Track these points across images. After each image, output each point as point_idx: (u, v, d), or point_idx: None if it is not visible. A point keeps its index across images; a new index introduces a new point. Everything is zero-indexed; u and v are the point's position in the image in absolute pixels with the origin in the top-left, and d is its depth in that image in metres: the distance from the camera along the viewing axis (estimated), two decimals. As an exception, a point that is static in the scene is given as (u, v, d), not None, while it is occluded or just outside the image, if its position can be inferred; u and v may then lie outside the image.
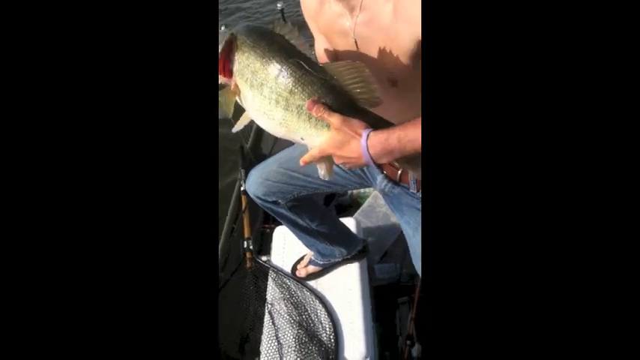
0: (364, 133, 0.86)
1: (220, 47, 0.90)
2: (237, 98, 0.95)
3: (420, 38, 0.88)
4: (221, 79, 0.95)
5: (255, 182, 1.41)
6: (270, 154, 2.30)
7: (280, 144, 2.33)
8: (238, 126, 0.98)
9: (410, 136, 0.83)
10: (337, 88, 0.88)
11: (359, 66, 0.88)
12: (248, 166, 2.17)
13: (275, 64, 0.87)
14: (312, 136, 0.91)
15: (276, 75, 0.87)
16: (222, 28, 0.94)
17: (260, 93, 0.90)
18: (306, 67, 0.87)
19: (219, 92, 0.93)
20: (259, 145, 2.43)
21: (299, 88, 0.87)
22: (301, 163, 0.95)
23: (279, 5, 2.47)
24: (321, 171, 0.95)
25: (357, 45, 0.98)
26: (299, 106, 0.88)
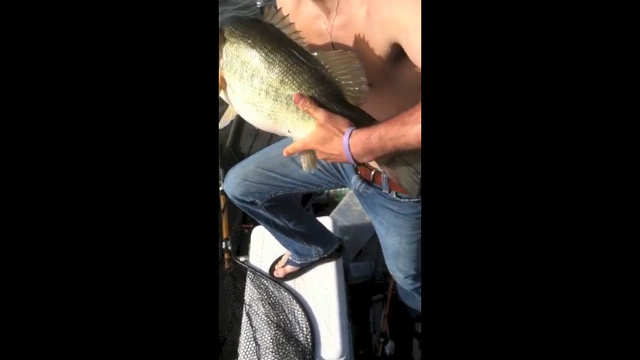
0: (347, 132, 0.87)
1: None
2: (221, 92, 0.94)
3: (395, 42, 0.89)
4: None
5: (233, 182, 1.42)
6: (249, 153, 2.32)
7: (259, 143, 2.35)
8: (224, 122, 0.96)
9: (390, 134, 0.84)
10: (327, 78, 0.88)
11: (351, 56, 0.88)
12: (227, 166, 2.18)
13: (267, 53, 0.86)
14: (299, 128, 0.90)
15: (267, 65, 0.87)
16: None
17: (250, 84, 0.89)
18: (298, 55, 0.87)
19: None
20: (237, 144, 2.43)
21: (289, 78, 0.87)
22: (284, 153, 0.95)
23: (258, 3, 2.46)
24: (304, 164, 0.95)
25: (333, 47, 1.00)
26: (289, 96, 0.87)
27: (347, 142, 0.87)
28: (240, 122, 0.96)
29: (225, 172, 2.07)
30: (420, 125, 0.80)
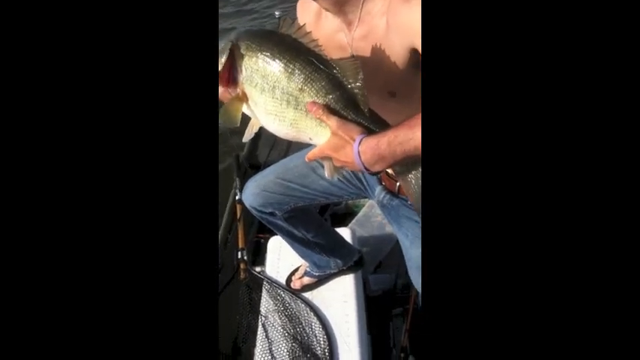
0: (357, 139, 0.85)
1: (221, 59, 0.89)
2: (244, 106, 0.94)
3: (413, 47, 0.89)
4: (224, 91, 0.94)
5: (253, 193, 1.40)
6: (266, 163, 2.30)
7: (275, 152, 2.33)
8: (248, 135, 0.97)
9: (400, 138, 0.82)
10: (343, 84, 0.88)
11: (356, 64, 0.89)
12: (243, 175, 2.17)
13: (286, 63, 0.87)
14: (319, 135, 0.90)
15: (287, 75, 0.87)
16: None
17: (272, 96, 0.89)
18: (316, 62, 0.87)
19: (226, 104, 0.92)
20: (255, 153, 2.42)
21: (308, 85, 0.87)
22: (306, 159, 0.96)
23: (277, 13, 2.48)
24: (326, 171, 0.95)
25: (354, 58, 0.98)
26: (313, 102, 0.88)
27: (357, 150, 0.85)
28: (257, 131, 0.96)
29: (242, 182, 2.07)
30: None
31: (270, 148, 2.32)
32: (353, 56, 0.99)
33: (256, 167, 2.28)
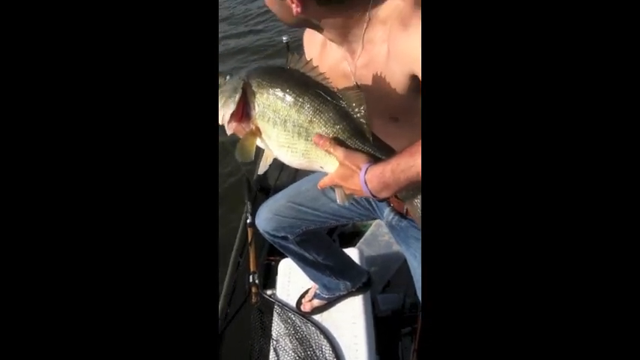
0: (363, 167, 0.89)
1: (235, 97, 0.93)
2: (257, 140, 0.98)
3: (413, 74, 0.92)
4: (238, 127, 0.97)
5: (266, 218, 1.44)
6: (276, 186, 2.35)
7: (284, 175, 2.38)
8: (263, 167, 1.01)
9: (402, 165, 0.86)
10: (349, 114, 0.92)
11: (362, 96, 0.92)
12: (254, 199, 2.21)
13: (295, 98, 0.91)
14: (329, 164, 0.94)
15: (297, 108, 0.91)
16: (227, 77, 0.97)
17: (284, 129, 0.93)
18: (323, 94, 0.91)
19: (241, 140, 0.96)
20: (264, 177, 2.47)
21: (317, 117, 0.91)
22: (318, 187, 0.99)
23: (284, 38, 2.53)
24: (338, 197, 0.98)
25: (358, 86, 1.02)
26: (318, 133, 0.92)
27: (363, 178, 0.89)
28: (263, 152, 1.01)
29: (253, 205, 2.11)
30: None
31: (280, 172, 2.37)
32: (357, 84, 1.03)
33: (266, 190, 2.32)
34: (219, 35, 5.52)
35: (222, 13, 5.98)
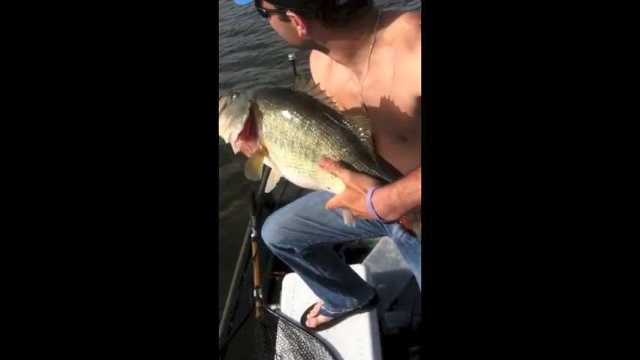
0: (369, 190, 0.89)
1: (242, 117, 0.93)
2: (265, 159, 0.98)
3: (418, 95, 0.92)
4: (245, 145, 0.97)
5: (272, 230, 1.44)
6: (281, 201, 2.33)
7: (289, 190, 2.36)
8: (270, 185, 1.01)
9: (408, 189, 0.85)
10: (356, 137, 0.92)
11: (367, 120, 0.93)
12: (259, 214, 2.19)
13: (302, 120, 0.91)
14: (336, 185, 0.94)
15: (304, 130, 0.91)
16: (234, 96, 0.96)
17: (291, 150, 0.93)
18: (330, 117, 0.92)
19: (249, 159, 0.96)
20: (270, 191, 2.46)
21: (324, 139, 0.91)
22: (326, 207, 0.99)
23: (290, 56, 2.55)
24: (346, 219, 0.98)
25: (365, 107, 1.03)
26: (324, 156, 0.92)
27: (369, 201, 0.89)
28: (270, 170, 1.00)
29: (258, 220, 2.09)
30: None
31: (285, 187, 2.35)
32: (364, 104, 1.03)
33: (271, 205, 2.31)
34: (228, 48, 5.60)
35: (229, 26, 6.07)
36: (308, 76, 1.16)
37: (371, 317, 1.63)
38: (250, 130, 0.95)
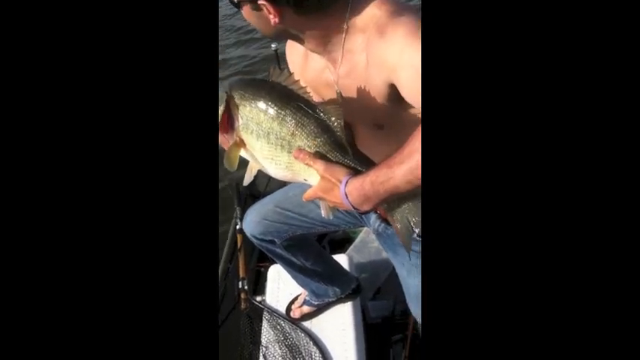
0: (343, 180, 0.89)
1: (219, 109, 0.93)
2: (242, 151, 0.99)
3: (391, 82, 0.91)
4: (221, 138, 0.98)
5: (253, 221, 1.44)
6: (265, 192, 2.34)
7: (274, 181, 2.37)
8: (248, 178, 1.02)
9: (380, 178, 0.85)
10: (331, 127, 0.93)
11: (340, 110, 0.93)
12: (244, 205, 2.20)
13: (277, 110, 0.91)
14: (312, 177, 0.95)
15: (279, 121, 0.92)
16: None
17: (267, 141, 0.94)
18: (305, 107, 0.92)
19: (227, 151, 0.97)
20: (254, 183, 2.46)
21: (299, 130, 0.92)
22: (303, 199, 0.99)
23: (273, 46, 2.54)
24: (323, 211, 0.99)
25: (341, 95, 1.03)
26: (299, 147, 0.92)
27: (344, 191, 0.89)
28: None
29: (243, 211, 2.10)
30: (405, 166, 0.82)
31: (269, 178, 2.37)
32: (339, 93, 1.03)
33: (256, 196, 2.32)
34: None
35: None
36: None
37: (354, 307, 1.66)
38: (227, 122, 0.95)
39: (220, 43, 5.48)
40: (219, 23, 5.83)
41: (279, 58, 2.54)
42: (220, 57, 5.17)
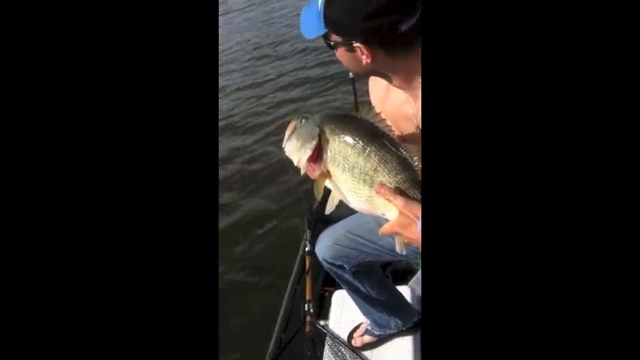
0: (421, 217, 0.93)
1: (312, 143, 1.01)
2: (327, 181, 1.06)
3: None
4: (309, 168, 1.05)
5: (325, 245, 1.51)
6: (336, 215, 2.39)
7: (344, 205, 2.42)
8: (330, 207, 1.09)
9: None
10: (412, 165, 0.98)
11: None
12: (313, 228, 2.27)
13: (363, 146, 0.98)
14: (391, 211, 1.00)
15: (364, 157, 0.98)
16: (302, 120, 1.06)
17: (351, 175, 1.00)
18: (389, 145, 0.98)
19: (316, 181, 1.04)
20: (324, 206, 2.53)
21: (382, 166, 0.98)
22: (380, 233, 1.04)
23: (351, 74, 2.62)
24: (397, 245, 1.04)
25: (420, 129, 1.08)
26: (381, 182, 0.98)
27: (420, 228, 0.92)
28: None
29: (312, 233, 2.16)
30: None
31: (339, 205, 2.42)
32: (418, 127, 1.09)
33: (326, 220, 2.38)
34: (292, 67, 5.73)
35: (296, 45, 6.21)
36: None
37: (415, 340, 1.67)
38: (317, 154, 1.03)
39: (301, 64, 5.67)
40: (301, 45, 6.03)
41: (355, 82, 2.63)
42: (303, 76, 5.35)
